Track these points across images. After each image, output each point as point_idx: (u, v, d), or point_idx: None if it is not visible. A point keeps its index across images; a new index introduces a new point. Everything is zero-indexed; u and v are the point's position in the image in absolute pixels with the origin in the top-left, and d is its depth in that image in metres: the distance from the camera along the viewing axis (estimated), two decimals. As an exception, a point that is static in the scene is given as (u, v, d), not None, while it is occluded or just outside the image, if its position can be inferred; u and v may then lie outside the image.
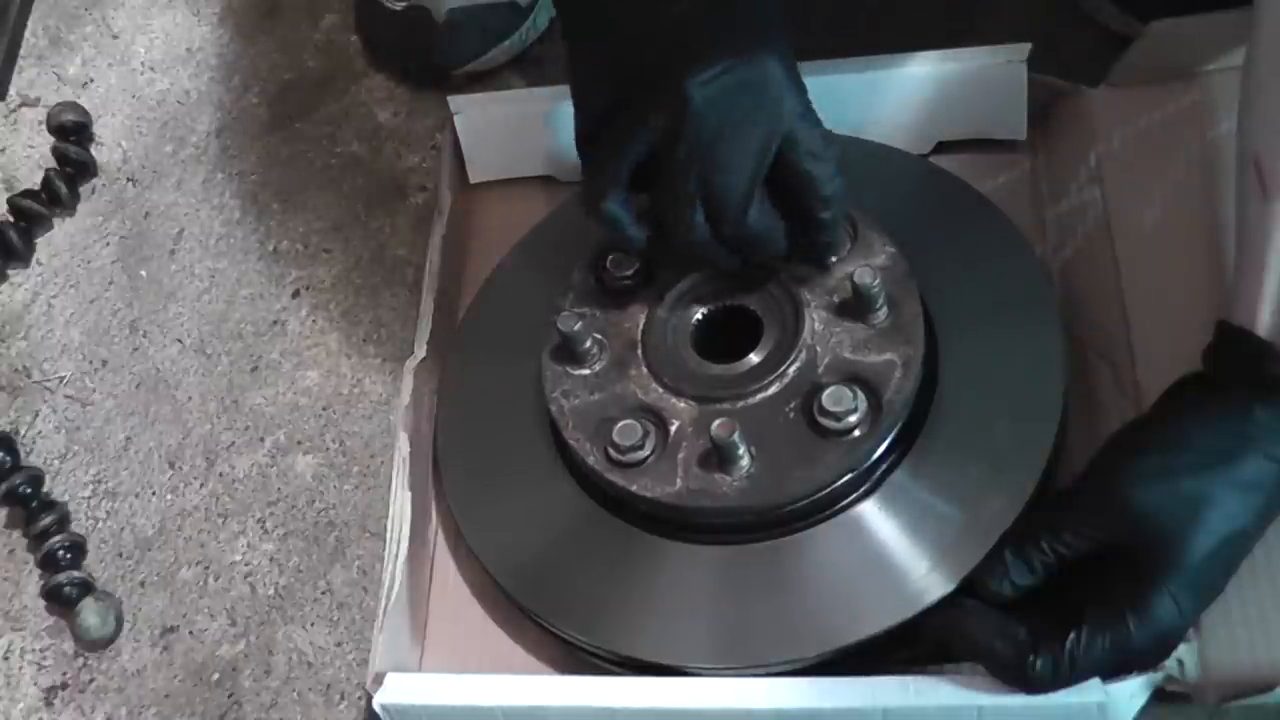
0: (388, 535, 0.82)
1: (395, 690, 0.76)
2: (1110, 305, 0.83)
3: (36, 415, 1.02)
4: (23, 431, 1.01)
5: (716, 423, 0.75)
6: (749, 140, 0.73)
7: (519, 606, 0.81)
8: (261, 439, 0.98)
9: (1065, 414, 0.77)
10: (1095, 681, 0.68)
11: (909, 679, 0.71)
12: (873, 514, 0.76)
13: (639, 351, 0.81)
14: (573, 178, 0.97)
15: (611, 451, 0.78)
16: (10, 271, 1.09)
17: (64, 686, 0.90)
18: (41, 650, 0.92)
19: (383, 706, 0.76)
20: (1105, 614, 0.67)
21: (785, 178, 0.75)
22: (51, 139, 1.14)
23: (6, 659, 0.92)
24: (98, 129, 1.15)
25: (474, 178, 1.00)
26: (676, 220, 0.75)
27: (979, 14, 1.04)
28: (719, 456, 0.75)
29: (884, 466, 0.76)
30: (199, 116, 1.15)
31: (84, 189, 1.13)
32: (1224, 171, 0.79)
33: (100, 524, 0.96)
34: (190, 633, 0.91)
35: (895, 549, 0.75)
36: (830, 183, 0.75)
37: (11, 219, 1.10)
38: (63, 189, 1.10)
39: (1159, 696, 0.70)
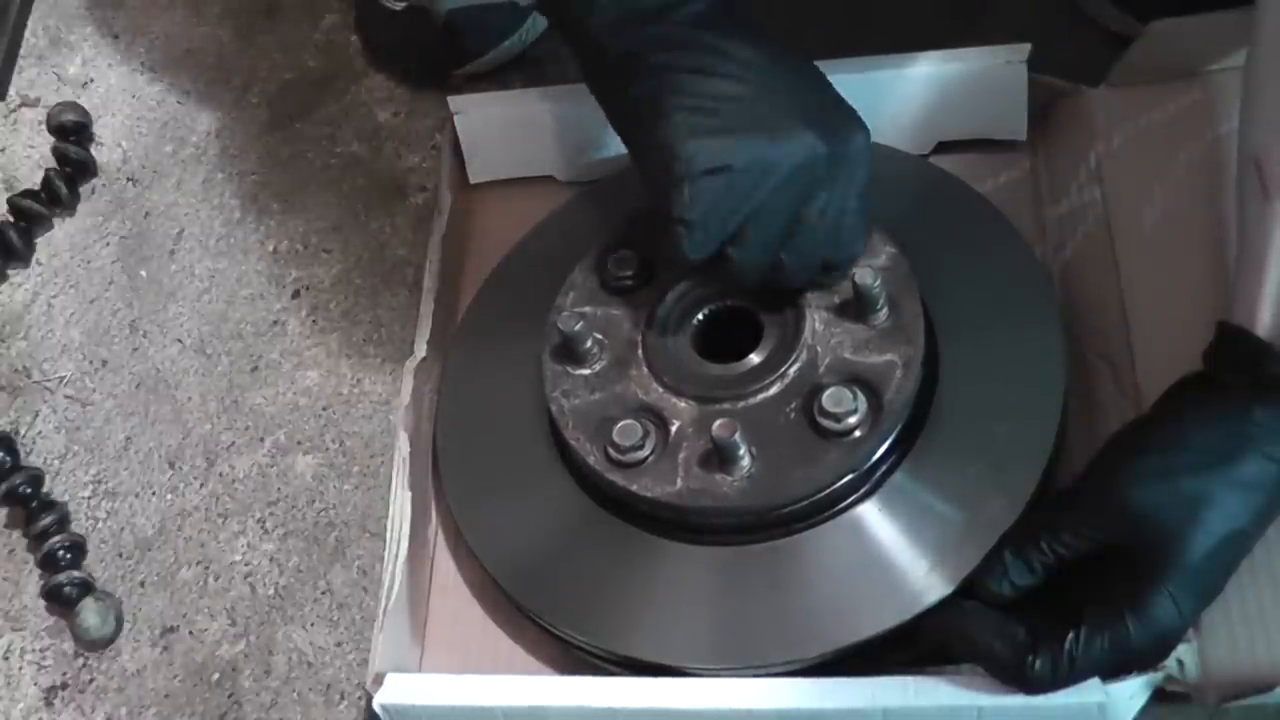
0: (388, 535, 0.82)
1: (395, 690, 0.76)
2: (1110, 305, 0.83)
3: (36, 415, 1.02)
4: (23, 431, 1.01)
5: (717, 423, 0.75)
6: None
7: (519, 606, 0.81)
8: (261, 439, 0.98)
9: (1065, 414, 0.77)
10: (1095, 681, 0.68)
11: (909, 679, 0.71)
12: (873, 515, 0.76)
13: (639, 351, 0.81)
14: (572, 178, 0.98)
15: (611, 451, 0.78)
16: (10, 271, 1.09)
17: (64, 686, 0.90)
18: (41, 650, 0.92)
19: (383, 707, 0.76)
20: (1104, 614, 0.67)
21: None
22: (51, 139, 1.14)
23: (6, 659, 0.92)
24: (98, 129, 1.15)
25: (474, 178, 1.00)
26: (754, 265, 0.75)
27: (979, 14, 1.04)
28: (719, 457, 0.75)
29: (884, 467, 0.76)
30: (199, 116, 1.15)
31: (84, 189, 1.13)
32: (1224, 171, 0.80)
33: (100, 524, 0.96)
34: (190, 633, 0.91)
35: (895, 550, 0.75)
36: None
37: (11, 219, 1.10)
38: (63, 189, 1.10)
39: (1159, 696, 0.70)
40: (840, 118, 0.75)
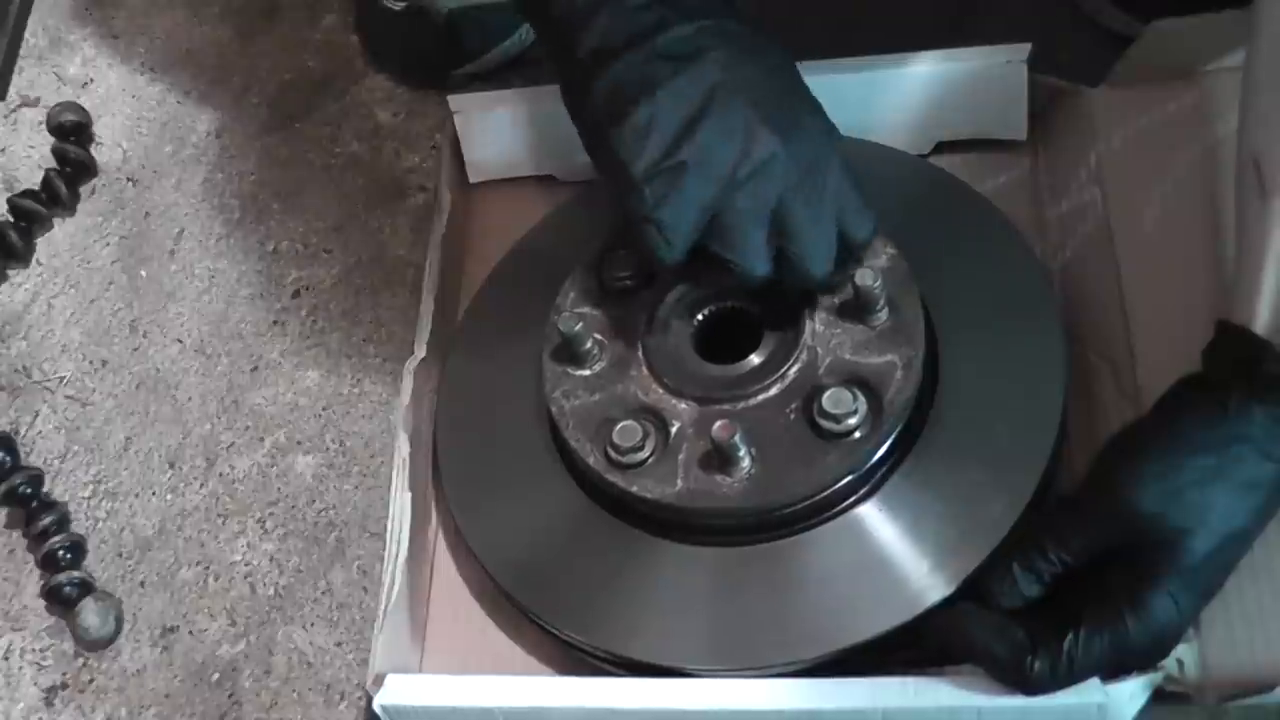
0: (388, 535, 0.82)
1: (395, 691, 0.76)
2: (1110, 305, 0.83)
3: (36, 415, 1.02)
4: (23, 431, 1.01)
5: (717, 424, 0.75)
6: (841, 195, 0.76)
7: (519, 606, 0.81)
8: (261, 439, 0.98)
9: (1065, 414, 0.77)
10: (1095, 682, 0.68)
11: (909, 680, 0.71)
12: (873, 516, 0.76)
13: (639, 352, 0.81)
14: (572, 177, 0.98)
15: (611, 452, 0.78)
16: (10, 271, 1.09)
17: (64, 686, 0.91)
18: (41, 650, 0.92)
19: (383, 707, 0.76)
20: (1104, 614, 0.67)
21: None
22: (51, 139, 1.13)
23: (6, 659, 0.92)
24: (98, 129, 1.15)
25: (474, 178, 1.00)
26: (753, 264, 0.75)
27: (978, 14, 1.04)
28: (720, 458, 0.75)
29: (884, 468, 0.76)
30: (199, 116, 1.15)
31: (84, 189, 1.13)
32: (1224, 171, 0.79)
33: (100, 524, 0.96)
34: (190, 633, 0.91)
35: (895, 551, 0.75)
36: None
37: (11, 219, 1.10)
38: (63, 189, 1.10)
39: (1159, 696, 0.70)
40: (799, 111, 0.75)
